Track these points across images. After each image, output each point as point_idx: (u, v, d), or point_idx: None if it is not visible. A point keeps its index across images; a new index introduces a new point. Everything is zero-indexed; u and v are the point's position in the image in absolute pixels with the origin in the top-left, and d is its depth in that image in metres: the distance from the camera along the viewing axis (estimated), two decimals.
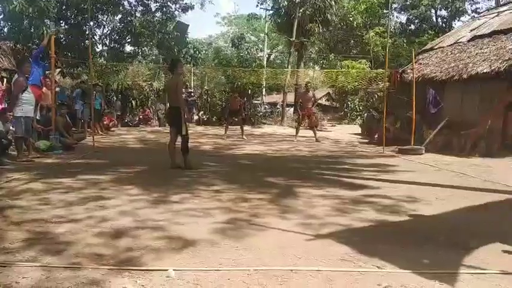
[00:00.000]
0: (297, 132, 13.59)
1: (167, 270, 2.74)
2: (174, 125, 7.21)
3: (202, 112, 22.19)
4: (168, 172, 6.74)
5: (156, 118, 20.26)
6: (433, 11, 31.62)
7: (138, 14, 20.90)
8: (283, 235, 3.61)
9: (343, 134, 16.99)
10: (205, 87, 24.45)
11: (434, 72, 12.54)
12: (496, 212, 4.67)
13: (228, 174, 6.84)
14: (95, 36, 19.37)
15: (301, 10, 21.68)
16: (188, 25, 22.73)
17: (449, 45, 13.92)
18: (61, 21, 18.42)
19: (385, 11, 29.01)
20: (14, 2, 14.85)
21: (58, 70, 15.34)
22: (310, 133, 13.80)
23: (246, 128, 19.74)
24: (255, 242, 3.40)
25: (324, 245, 3.36)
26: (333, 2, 22.40)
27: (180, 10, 21.77)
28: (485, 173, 7.20)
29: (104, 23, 20.01)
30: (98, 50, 19.90)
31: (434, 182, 6.33)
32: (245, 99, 22.34)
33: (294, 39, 22.43)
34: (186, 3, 21.73)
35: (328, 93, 31.56)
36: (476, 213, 4.55)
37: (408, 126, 10.94)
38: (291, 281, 2.65)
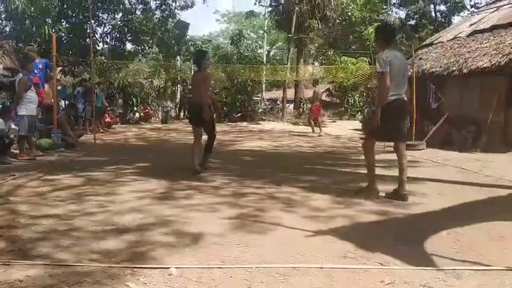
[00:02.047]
0: (318, 128, 13.91)
1: (169, 268, 2.75)
2: (203, 125, 6.46)
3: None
4: (170, 169, 6.71)
5: (161, 115, 20.27)
6: (432, 6, 31.55)
7: (138, 12, 20.92)
8: (285, 231, 3.62)
9: (344, 129, 16.99)
10: None
11: (434, 68, 12.50)
12: (498, 207, 4.67)
13: (229, 170, 6.85)
14: (96, 35, 19.40)
15: (297, 8, 21.64)
16: (189, 24, 22.78)
17: (449, 40, 13.87)
18: (62, 20, 18.43)
19: (384, 7, 28.94)
20: (16, 2, 14.89)
21: (59, 68, 15.34)
22: (307, 128, 13.90)
23: (245, 123, 19.88)
24: (257, 238, 3.40)
25: (326, 241, 3.37)
26: None
27: (179, 8, 21.79)
28: (487, 168, 7.20)
29: (105, 21, 20.03)
30: (98, 48, 19.92)
31: (435, 177, 6.33)
32: (245, 96, 22.38)
33: (293, 35, 22.40)
34: (186, 1, 21.75)
35: (328, 89, 31.53)
36: (478, 208, 4.55)
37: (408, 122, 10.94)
38: (293, 278, 2.65)
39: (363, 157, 8.97)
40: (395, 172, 6.87)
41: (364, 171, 7.07)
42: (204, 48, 21.57)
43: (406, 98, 4.95)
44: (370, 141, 5.16)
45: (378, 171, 7.01)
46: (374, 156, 5.11)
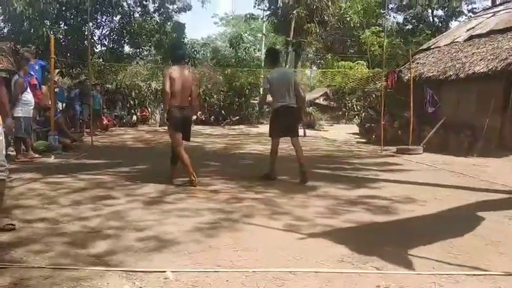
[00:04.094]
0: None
1: (165, 272, 2.74)
2: (185, 130, 5.85)
3: (200, 112, 22.18)
4: (167, 172, 6.71)
5: (159, 117, 20.28)
6: (429, 11, 31.69)
7: (136, 15, 20.94)
8: (282, 236, 3.62)
9: (341, 133, 16.99)
10: (203, 87, 24.46)
11: (432, 72, 12.55)
12: (495, 211, 4.68)
13: (227, 173, 6.84)
14: (94, 37, 19.38)
15: (294, 12, 21.70)
16: (184, 24, 22.82)
17: (446, 45, 13.95)
18: (60, 22, 18.41)
19: (381, 11, 29.04)
20: (15, 3, 14.88)
21: (57, 70, 15.32)
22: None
23: (242, 127, 19.99)
24: (254, 243, 3.40)
25: (322, 246, 3.37)
26: (330, 3, 22.43)
27: (177, 11, 21.83)
28: (483, 173, 7.22)
29: (103, 23, 20.02)
30: (96, 50, 19.91)
31: (431, 181, 6.34)
32: (243, 98, 22.43)
33: (291, 39, 22.46)
34: (183, 4, 21.78)
35: (326, 92, 31.58)
36: (475, 213, 4.55)
37: (406, 126, 10.96)
38: (289, 282, 2.65)
39: (356, 160, 9.11)
40: (393, 175, 6.91)
41: (358, 173, 7.15)
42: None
43: (294, 105, 6.15)
44: (274, 139, 6.33)
45: (381, 174, 7.08)
46: (277, 150, 6.32)
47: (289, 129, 6.24)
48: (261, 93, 6.26)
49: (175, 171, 5.99)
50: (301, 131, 14.25)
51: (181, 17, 31.54)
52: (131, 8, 20.78)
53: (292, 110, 6.19)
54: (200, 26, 59.19)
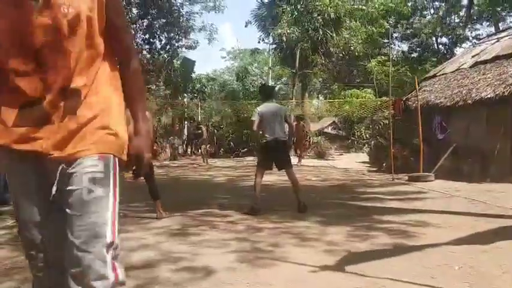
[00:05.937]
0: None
1: None
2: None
3: (209, 145, 22.36)
4: (179, 204, 6.73)
5: (169, 152, 20.48)
6: (434, 38, 32.10)
7: (145, 52, 21.47)
8: (296, 268, 3.58)
9: (352, 162, 16.96)
10: (212, 120, 24.78)
11: (439, 99, 12.60)
12: (510, 239, 4.60)
13: (241, 206, 6.83)
14: None
15: (298, 45, 22.10)
16: (194, 61, 23.31)
17: (452, 72, 14.04)
18: None
19: (385, 41, 29.43)
20: None
21: None
22: (315, 162, 13.96)
23: (251, 158, 19.98)
24: (267, 277, 3.37)
25: (337, 278, 3.33)
26: (334, 34, 22.85)
27: (184, 48, 22.38)
28: (497, 199, 7.13)
29: None
30: None
31: (446, 209, 6.28)
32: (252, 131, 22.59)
33: (296, 71, 22.82)
34: (190, 41, 22.34)
35: (334, 121, 31.69)
36: (490, 240, 4.48)
37: (416, 154, 10.93)
38: None
39: (369, 189, 9.07)
40: (406, 204, 6.86)
41: (373, 203, 7.10)
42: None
43: (283, 138, 6.37)
44: (259, 169, 6.43)
45: (394, 203, 7.04)
46: (260, 181, 6.35)
47: (281, 162, 6.42)
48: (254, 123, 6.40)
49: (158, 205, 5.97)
50: (295, 159, 14.50)
51: (189, 53, 32.27)
52: (139, 46, 21.34)
53: (281, 143, 6.38)
54: (208, 61, 60.58)
